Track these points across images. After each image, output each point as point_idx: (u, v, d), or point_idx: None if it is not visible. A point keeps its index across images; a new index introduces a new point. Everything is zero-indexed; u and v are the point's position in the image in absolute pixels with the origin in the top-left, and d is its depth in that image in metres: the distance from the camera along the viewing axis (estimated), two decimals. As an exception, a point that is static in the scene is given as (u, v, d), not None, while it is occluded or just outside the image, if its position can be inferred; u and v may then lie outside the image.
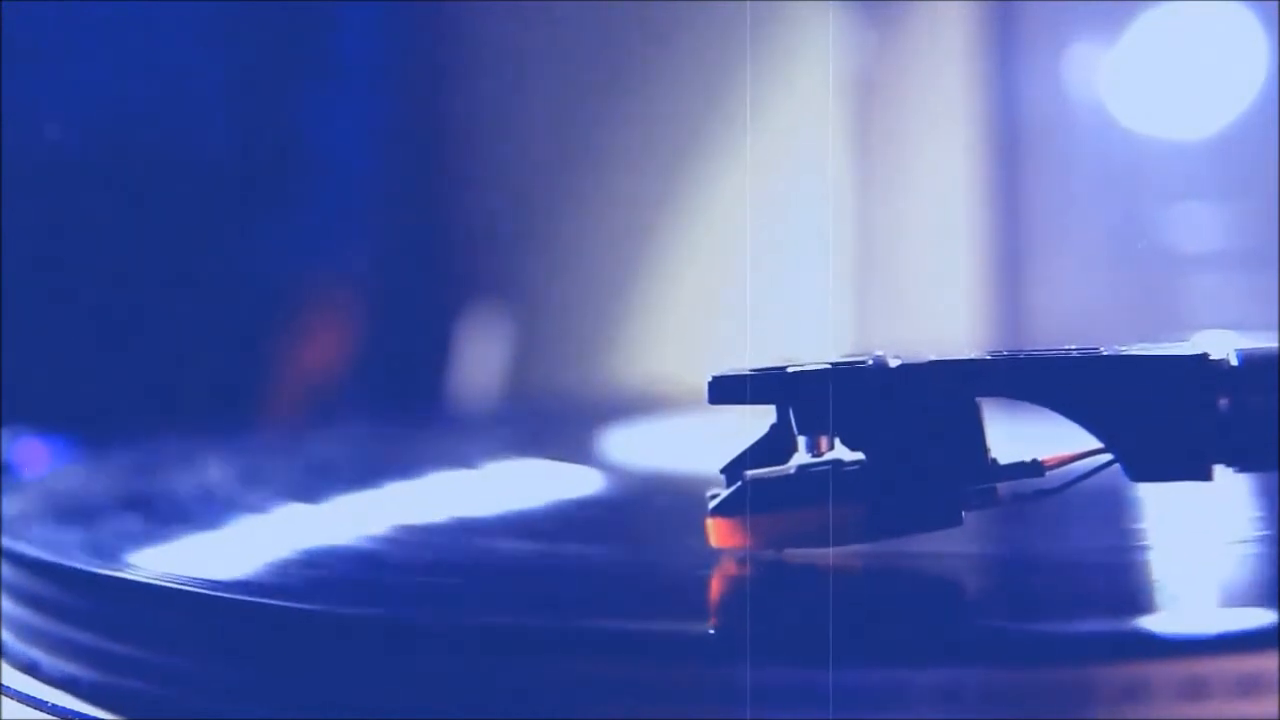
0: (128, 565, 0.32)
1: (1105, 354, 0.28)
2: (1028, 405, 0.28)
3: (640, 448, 0.48)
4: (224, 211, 0.71)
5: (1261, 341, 0.28)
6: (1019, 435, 0.30)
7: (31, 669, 0.31)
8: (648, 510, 0.41)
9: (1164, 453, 0.28)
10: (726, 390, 0.29)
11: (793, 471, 0.29)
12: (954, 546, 0.30)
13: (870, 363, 0.29)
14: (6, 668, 0.32)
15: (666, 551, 0.34)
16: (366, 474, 0.45)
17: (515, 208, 0.81)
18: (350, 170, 0.76)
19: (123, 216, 0.67)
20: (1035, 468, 0.29)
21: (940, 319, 0.72)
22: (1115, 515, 0.33)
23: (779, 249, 0.76)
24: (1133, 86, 0.70)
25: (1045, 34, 0.72)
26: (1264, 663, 0.24)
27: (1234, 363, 0.28)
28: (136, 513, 0.39)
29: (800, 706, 0.24)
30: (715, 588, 0.30)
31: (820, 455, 0.29)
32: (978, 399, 0.29)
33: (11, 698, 0.30)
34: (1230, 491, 0.32)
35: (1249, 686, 0.24)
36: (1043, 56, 0.72)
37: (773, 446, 0.29)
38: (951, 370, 0.28)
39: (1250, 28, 0.67)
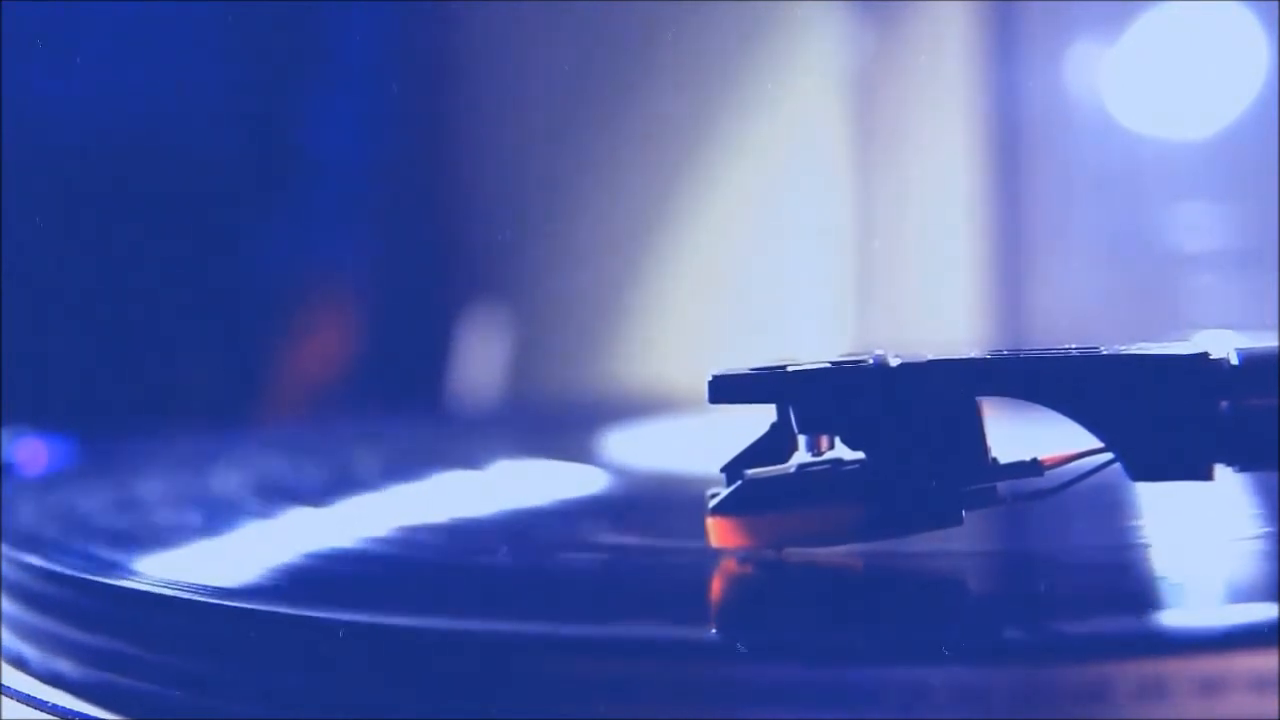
0: (129, 567, 0.32)
1: (1105, 353, 0.28)
2: (1028, 404, 0.28)
3: (640, 447, 0.48)
4: (224, 211, 0.71)
5: (1262, 341, 0.28)
6: (1019, 434, 0.30)
7: (28, 667, 0.31)
8: (648, 510, 0.41)
9: (1164, 452, 0.28)
10: (727, 389, 0.29)
11: (793, 471, 0.29)
12: (954, 546, 0.30)
13: (870, 362, 0.29)
14: (7, 667, 0.32)
15: (666, 551, 0.34)
16: (367, 475, 0.45)
17: (515, 208, 0.81)
18: (350, 170, 0.76)
19: (123, 216, 0.67)
20: (1035, 467, 0.29)
21: (940, 319, 0.72)
22: (1114, 515, 0.34)
23: (779, 249, 0.76)
24: (1133, 86, 0.70)
25: (1045, 34, 0.72)
26: (1265, 660, 0.24)
27: (1234, 362, 0.27)
28: (137, 513, 0.39)
29: (801, 706, 0.24)
30: (715, 588, 0.30)
31: (820, 454, 0.29)
32: (978, 398, 0.28)
33: (11, 698, 0.30)
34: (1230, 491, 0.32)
35: (1253, 683, 0.24)
36: (1043, 56, 0.72)
37: (773, 446, 0.29)
38: (951, 369, 0.28)
39: (1250, 28, 0.67)
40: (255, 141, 0.72)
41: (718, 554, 0.30)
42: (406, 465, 0.46)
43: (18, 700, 0.30)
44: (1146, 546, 0.32)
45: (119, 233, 0.67)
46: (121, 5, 0.67)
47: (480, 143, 0.81)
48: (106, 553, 0.34)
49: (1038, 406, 0.28)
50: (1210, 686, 0.24)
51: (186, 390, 0.67)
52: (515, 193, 0.81)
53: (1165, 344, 0.29)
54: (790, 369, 0.29)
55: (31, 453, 0.51)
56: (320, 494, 0.41)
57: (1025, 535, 0.33)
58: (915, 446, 0.28)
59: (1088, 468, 0.28)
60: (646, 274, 0.79)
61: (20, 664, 0.32)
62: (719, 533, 0.29)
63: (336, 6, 0.75)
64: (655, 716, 0.24)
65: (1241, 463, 0.28)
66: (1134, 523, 0.33)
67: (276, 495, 0.40)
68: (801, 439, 0.29)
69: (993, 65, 0.72)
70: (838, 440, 0.29)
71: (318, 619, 0.27)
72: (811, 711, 0.24)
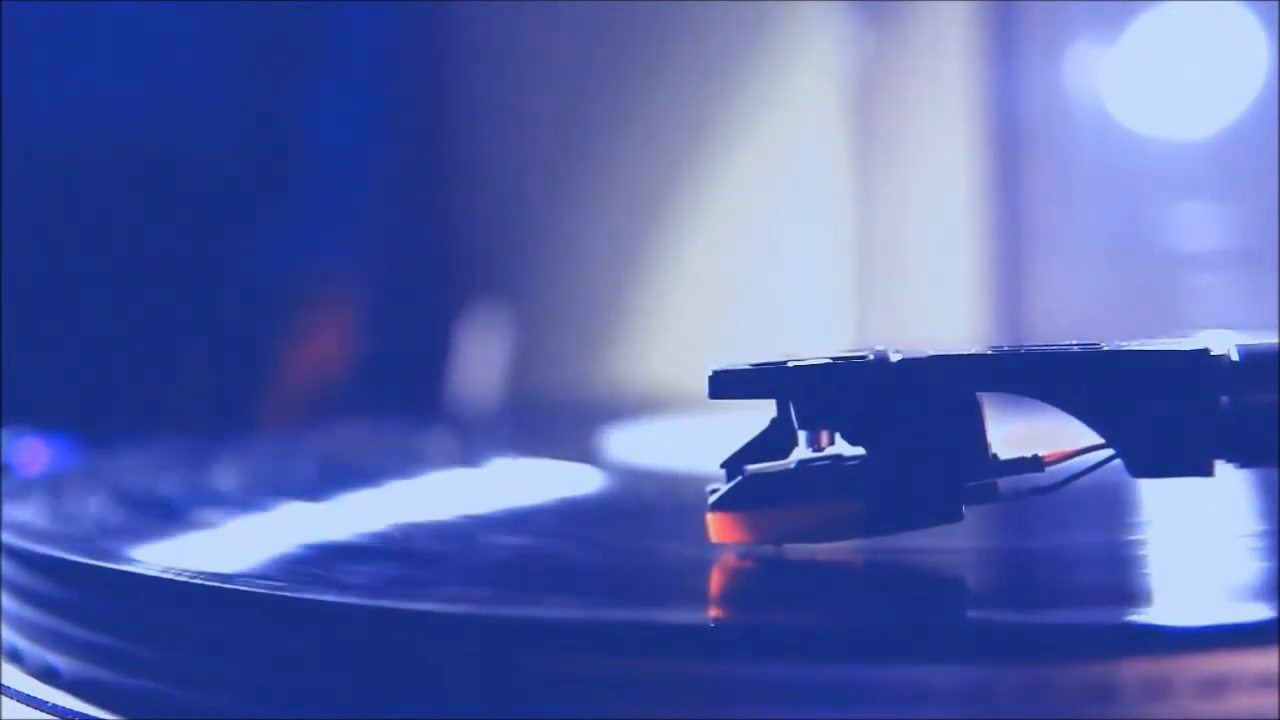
0: (128, 562, 0.32)
1: (1106, 349, 0.28)
2: (1028, 400, 0.28)
3: (640, 447, 0.48)
4: (224, 210, 0.71)
5: (1262, 339, 0.28)
6: (1019, 430, 0.30)
7: (37, 670, 0.31)
8: (647, 508, 0.41)
9: (1165, 448, 0.28)
10: (727, 385, 0.29)
11: (793, 466, 0.29)
12: (954, 542, 0.30)
13: (871, 358, 0.29)
14: (7, 667, 0.32)
15: (666, 549, 0.34)
16: (368, 473, 0.45)
17: (515, 208, 0.81)
18: (351, 169, 0.76)
19: (123, 215, 0.67)
20: (1035, 463, 0.29)
21: (940, 319, 0.72)
22: (1114, 511, 0.33)
23: (779, 249, 0.76)
24: (1133, 86, 0.70)
25: (1045, 34, 0.72)
26: (1265, 660, 0.24)
27: (1235, 358, 0.27)
28: (137, 512, 0.39)
29: (800, 704, 0.24)
30: (715, 584, 0.30)
31: (820, 450, 0.29)
32: (978, 394, 0.28)
33: (11, 698, 0.30)
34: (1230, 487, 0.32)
35: (1259, 681, 0.24)
36: (1043, 56, 0.72)
37: (773, 441, 0.29)
38: (952, 365, 0.28)
39: (1250, 28, 0.67)
40: (255, 141, 0.73)
41: (717, 549, 0.30)
42: (406, 464, 0.46)
43: (17, 700, 0.30)
44: (1146, 543, 0.32)
45: (119, 233, 0.67)
46: (121, 5, 0.67)
47: (480, 142, 0.81)
48: (106, 549, 0.34)
49: (1038, 402, 0.28)
50: (1211, 686, 0.23)
51: (186, 390, 0.67)
52: (515, 193, 0.81)
53: (1166, 340, 0.29)
54: (790, 364, 0.29)
55: (31, 453, 0.51)
56: (320, 492, 0.41)
57: (1025, 531, 0.33)
58: (915, 442, 0.28)
59: (1088, 464, 0.28)
60: (646, 274, 0.79)
61: (22, 665, 0.32)
62: (719, 528, 0.29)
63: (336, 6, 0.75)
64: (655, 715, 0.24)
65: (1242, 459, 0.28)
66: (1134, 519, 0.33)
67: (275, 493, 0.40)
68: (802, 434, 0.29)
69: (993, 65, 0.72)
70: (838, 436, 0.29)
71: (314, 602, 0.27)
72: (811, 710, 0.24)
